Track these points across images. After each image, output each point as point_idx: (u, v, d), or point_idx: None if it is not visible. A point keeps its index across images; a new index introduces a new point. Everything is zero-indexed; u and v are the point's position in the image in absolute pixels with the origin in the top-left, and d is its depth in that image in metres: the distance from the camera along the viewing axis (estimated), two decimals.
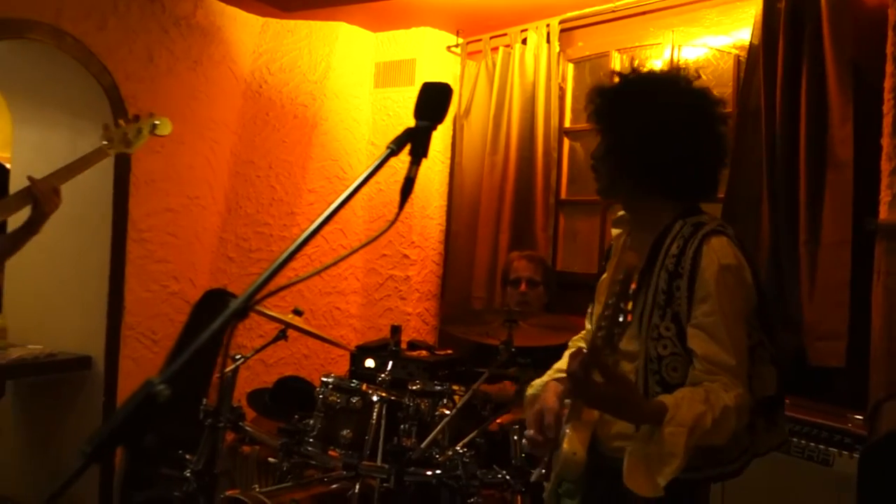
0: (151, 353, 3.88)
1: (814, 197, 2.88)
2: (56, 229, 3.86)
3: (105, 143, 2.51)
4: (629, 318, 1.41)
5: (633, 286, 1.40)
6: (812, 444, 2.35)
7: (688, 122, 1.63)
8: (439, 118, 1.19)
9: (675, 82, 1.69)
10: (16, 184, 3.80)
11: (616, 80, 1.74)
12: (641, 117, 1.64)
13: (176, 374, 0.91)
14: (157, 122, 2.61)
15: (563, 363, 1.83)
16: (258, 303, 1.00)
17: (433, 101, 1.20)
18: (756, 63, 3.09)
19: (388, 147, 1.14)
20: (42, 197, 2.29)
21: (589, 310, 1.93)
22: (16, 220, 2.63)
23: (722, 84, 3.45)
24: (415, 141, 1.16)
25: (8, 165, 4.13)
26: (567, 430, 1.57)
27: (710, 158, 1.67)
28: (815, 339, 2.83)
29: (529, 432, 1.69)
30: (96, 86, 3.49)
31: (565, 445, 1.56)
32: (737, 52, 3.38)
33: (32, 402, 3.94)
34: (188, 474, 2.63)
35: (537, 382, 1.86)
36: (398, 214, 1.12)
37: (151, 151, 3.77)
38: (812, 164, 2.88)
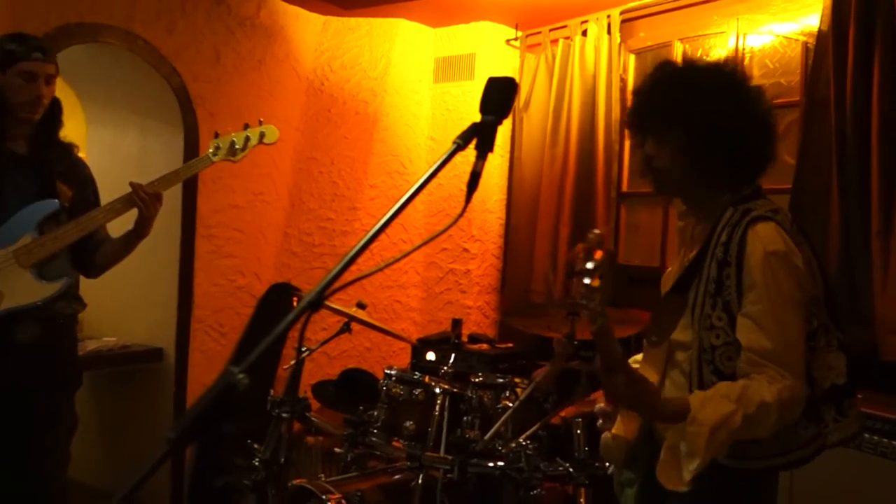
0: (219, 345, 4.00)
1: (887, 187, 2.79)
2: (128, 226, 4.00)
3: (211, 150, 2.58)
4: (595, 282, 1.34)
5: (599, 255, 1.34)
6: (885, 440, 2.29)
7: (750, 111, 1.62)
8: (505, 112, 1.20)
9: (724, 70, 1.66)
10: None
11: (663, 75, 1.69)
12: (715, 112, 1.59)
13: (254, 364, 0.94)
14: (264, 130, 2.66)
15: (639, 356, 1.83)
16: (330, 296, 1.03)
17: (499, 95, 1.21)
18: (825, 50, 3.00)
19: (454, 142, 1.15)
20: (144, 202, 2.38)
21: None
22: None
23: (789, 73, 3.37)
24: (481, 135, 1.17)
25: None
26: (619, 416, 1.61)
27: (767, 145, 1.66)
28: (888, 333, 2.75)
29: (601, 404, 1.72)
30: (166, 87, 3.61)
31: (612, 429, 1.58)
32: (804, 39, 3.29)
33: (107, 393, 4.09)
34: (256, 463, 2.70)
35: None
36: (465, 208, 1.14)
37: None
38: (885, 153, 2.79)
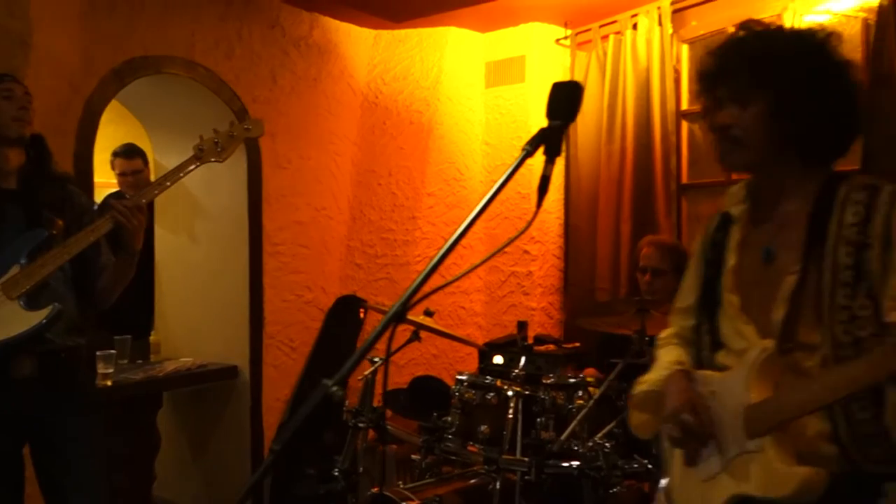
0: (291, 359, 4.09)
1: None
2: (198, 248, 4.15)
3: (194, 154, 2.47)
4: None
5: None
6: None
7: (844, 80, 1.47)
8: (572, 117, 1.21)
9: (817, 35, 1.50)
10: (161, 206, 4.10)
11: (749, 33, 1.51)
12: (810, 73, 1.44)
13: (345, 376, 0.98)
14: (248, 125, 2.53)
15: (673, 357, 1.65)
16: (413, 307, 1.06)
17: (565, 99, 1.22)
18: (887, 24, 2.94)
19: (523, 148, 1.17)
20: (124, 216, 2.28)
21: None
22: None
23: (850, 50, 3.27)
24: (548, 140, 1.19)
25: None
26: (766, 442, 1.35)
27: (857, 118, 1.49)
28: None
29: (685, 416, 1.45)
30: (227, 111, 3.71)
31: (777, 461, 1.32)
32: (865, 15, 3.21)
33: (187, 412, 4.22)
34: (336, 473, 2.76)
35: (651, 378, 1.66)
36: (536, 212, 1.15)
37: (279, 168, 3.98)
38: None
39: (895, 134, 2.90)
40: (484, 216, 4.54)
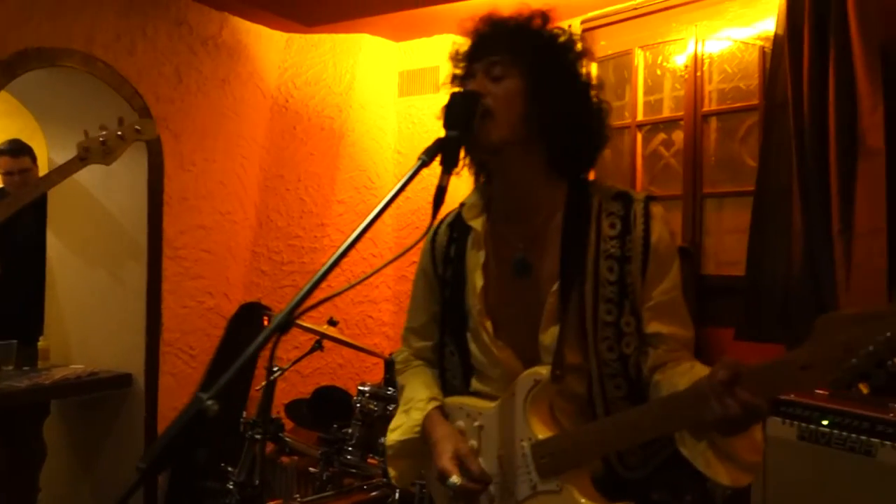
0: (190, 368, 3.95)
1: (846, 186, 2.84)
2: (93, 250, 3.96)
3: (79, 154, 2.34)
4: None
5: None
6: (853, 435, 2.32)
7: (589, 86, 1.40)
8: (468, 127, 1.20)
9: (571, 40, 1.40)
10: (53, 206, 3.90)
11: (511, 17, 1.39)
12: (564, 67, 1.37)
13: (223, 389, 0.94)
14: (139, 126, 2.40)
15: (424, 390, 1.51)
16: (300, 316, 1.02)
17: (461, 110, 1.21)
18: (781, 53, 3.06)
19: (419, 158, 1.16)
20: None
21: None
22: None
23: (748, 77, 3.43)
24: (445, 151, 1.17)
25: None
26: (564, 482, 1.28)
27: (600, 127, 1.41)
28: None
29: (456, 480, 1.30)
30: (128, 109, 3.56)
31: (583, 499, 1.26)
32: (762, 43, 3.35)
33: (77, 421, 4.02)
34: (231, 486, 2.67)
35: (405, 425, 1.49)
36: (431, 224, 1.14)
37: (183, 170, 3.85)
38: (843, 152, 2.85)
39: (786, 158, 3.03)
40: (395, 226, 4.53)
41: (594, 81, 1.41)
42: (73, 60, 3.38)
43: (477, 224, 1.42)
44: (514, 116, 1.31)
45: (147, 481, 3.67)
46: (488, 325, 1.40)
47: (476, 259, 1.42)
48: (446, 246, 1.51)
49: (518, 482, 1.32)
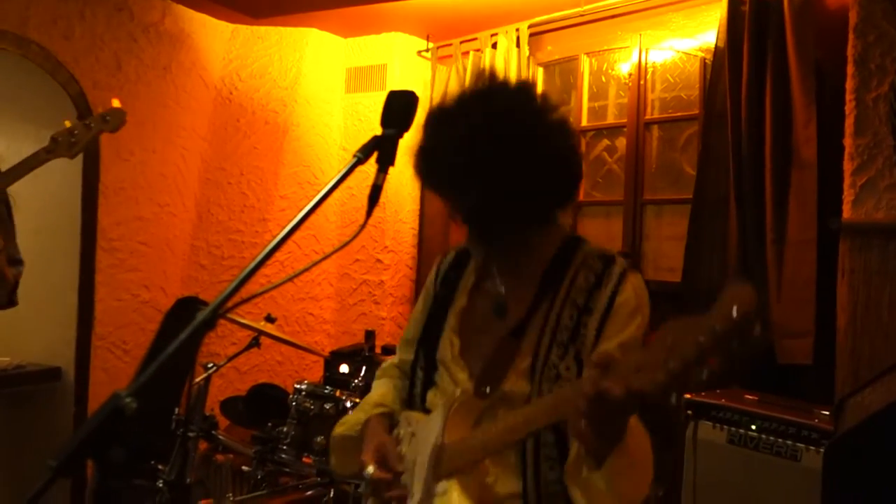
0: (122, 362, 3.85)
1: (780, 197, 2.92)
2: (23, 239, 3.82)
3: (46, 146, 2.26)
4: None
5: None
6: (780, 440, 2.38)
7: (555, 147, 1.40)
8: (406, 126, 1.19)
9: (526, 104, 1.41)
10: None
11: (454, 129, 1.38)
12: (520, 163, 1.36)
13: (143, 386, 0.91)
14: (107, 115, 2.28)
15: (377, 397, 1.60)
16: (228, 312, 1.00)
17: (399, 108, 1.20)
18: (721, 65, 3.13)
19: (354, 155, 1.14)
20: None
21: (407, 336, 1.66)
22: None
23: (689, 87, 3.50)
24: (382, 149, 1.16)
25: None
26: (450, 484, 1.31)
27: (575, 176, 1.47)
28: (783, 337, 2.88)
29: (371, 470, 1.40)
30: (63, 95, 3.46)
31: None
32: (703, 54, 3.43)
33: (2, 416, 3.88)
34: (161, 485, 2.61)
35: (351, 421, 1.60)
36: (366, 222, 1.13)
37: (120, 160, 3.75)
38: (777, 164, 2.93)
39: (723, 168, 3.10)
40: (339, 223, 4.49)
41: (558, 116, 1.42)
42: (6, 42, 3.26)
43: (478, 254, 1.55)
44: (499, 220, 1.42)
45: (74, 481, 3.56)
46: (456, 341, 1.48)
47: (467, 283, 1.54)
48: (448, 268, 1.63)
49: (420, 486, 1.35)
